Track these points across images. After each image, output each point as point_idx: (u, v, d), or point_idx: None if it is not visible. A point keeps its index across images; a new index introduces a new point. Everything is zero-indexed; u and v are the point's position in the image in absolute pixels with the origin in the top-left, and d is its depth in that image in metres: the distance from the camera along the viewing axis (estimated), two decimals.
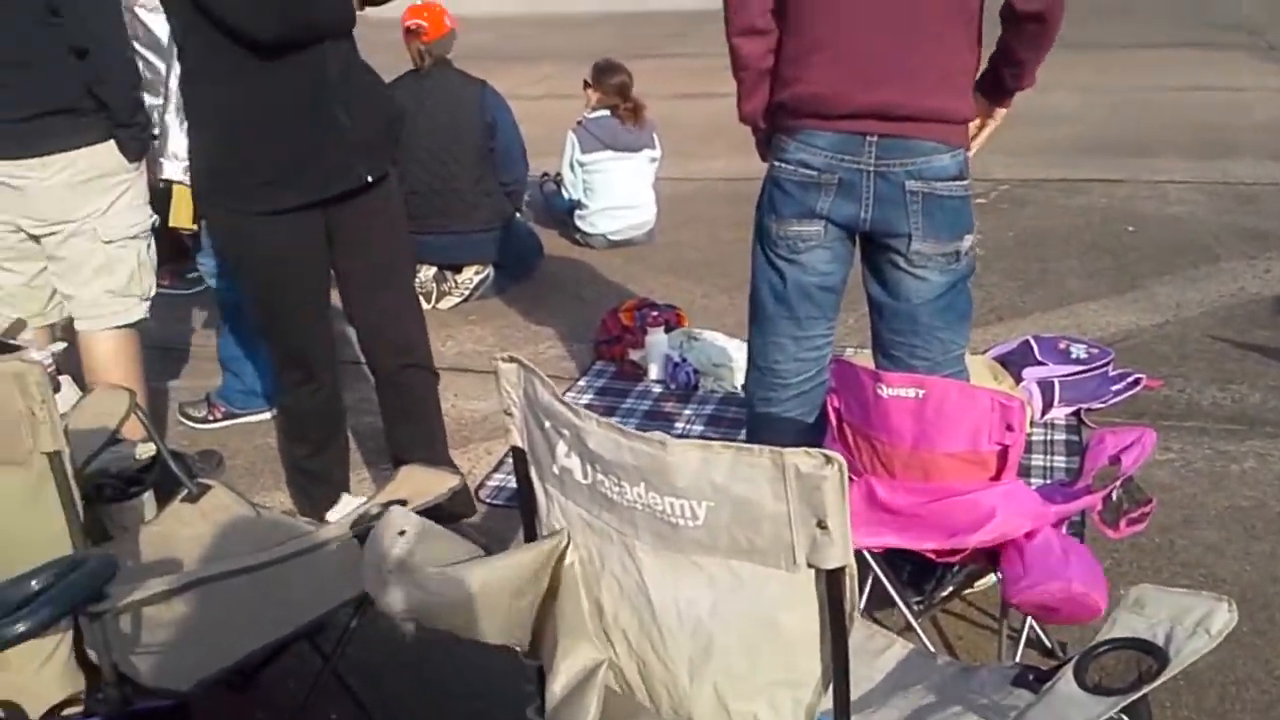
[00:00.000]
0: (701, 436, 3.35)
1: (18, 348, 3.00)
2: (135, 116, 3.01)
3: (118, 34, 2.96)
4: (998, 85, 2.47)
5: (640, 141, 5.60)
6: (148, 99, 3.15)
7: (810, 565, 1.22)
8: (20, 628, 1.27)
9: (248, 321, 3.56)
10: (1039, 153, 6.98)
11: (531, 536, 1.60)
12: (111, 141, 3.00)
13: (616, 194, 5.62)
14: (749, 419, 2.77)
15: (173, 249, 4.20)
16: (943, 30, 2.30)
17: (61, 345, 3.09)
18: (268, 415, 3.79)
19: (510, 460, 3.35)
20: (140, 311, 3.22)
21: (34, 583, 1.35)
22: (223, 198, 2.66)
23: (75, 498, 1.76)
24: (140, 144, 3.07)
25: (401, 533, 1.48)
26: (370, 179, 2.68)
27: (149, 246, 3.20)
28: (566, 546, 1.48)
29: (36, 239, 3.06)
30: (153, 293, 3.25)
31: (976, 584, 2.52)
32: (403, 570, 1.44)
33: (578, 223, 5.71)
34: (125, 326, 3.18)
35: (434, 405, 3.00)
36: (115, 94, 2.94)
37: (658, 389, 4.04)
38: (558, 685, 1.45)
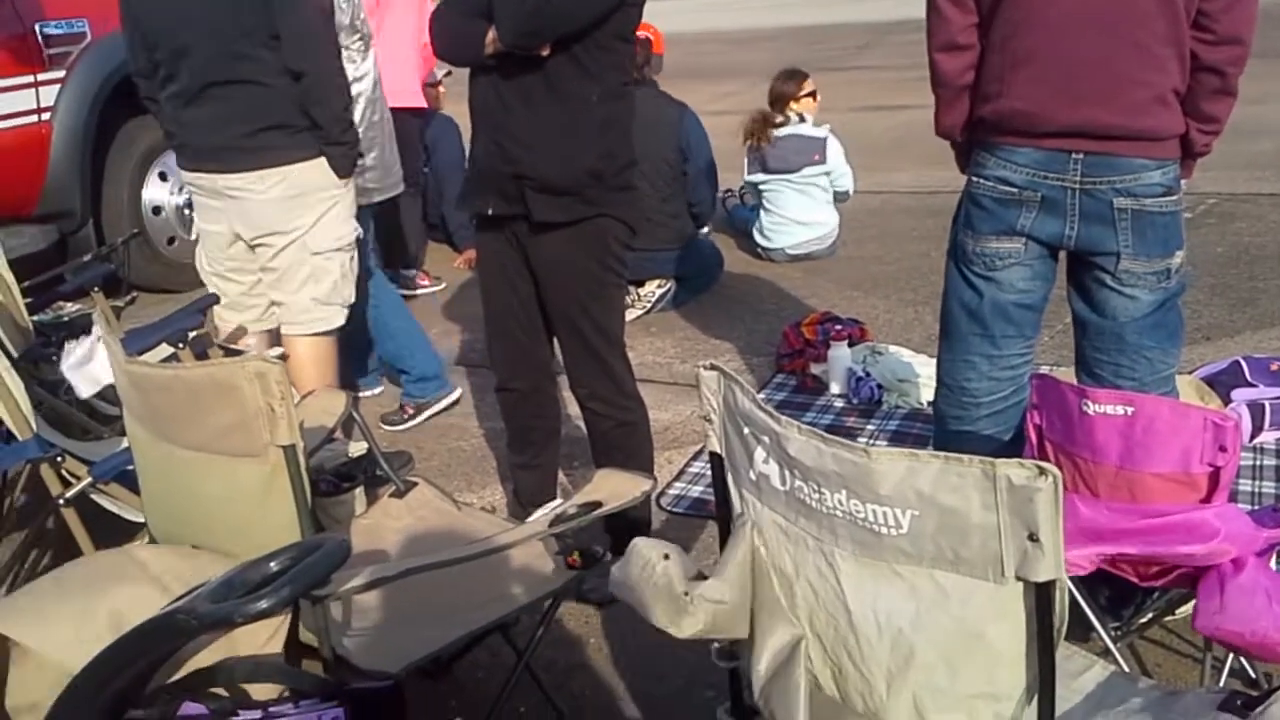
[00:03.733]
0: None
1: (239, 352, 3.26)
2: (345, 135, 3.20)
3: (329, 57, 3.15)
4: (1186, 147, 2.37)
5: (793, 160, 5.52)
6: None
7: (1019, 578, 1.21)
8: (263, 604, 1.37)
9: (386, 316, 3.73)
10: (1249, 166, 6.61)
11: (727, 541, 1.63)
12: (322, 158, 3.19)
13: (790, 212, 5.60)
14: (937, 437, 2.73)
15: None
16: (1151, 46, 2.24)
17: (281, 350, 3.31)
18: (453, 401, 4.03)
19: (689, 470, 3.47)
20: (341, 318, 3.41)
21: (273, 564, 1.44)
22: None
23: (306, 489, 1.89)
24: (349, 161, 3.25)
25: (666, 556, 1.52)
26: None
27: (352, 258, 3.39)
28: (752, 531, 1.51)
29: (252, 249, 3.29)
30: (352, 301, 3.44)
31: (1178, 611, 2.42)
32: (699, 595, 1.48)
33: (756, 236, 5.73)
34: (327, 333, 3.38)
35: (621, 442, 2.85)
36: (327, 113, 3.13)
37: (840, 403, 4.01)
38: (762, 665, 1.48)
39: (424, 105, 5.58)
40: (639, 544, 1.58)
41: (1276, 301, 4.59)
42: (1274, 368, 3.63)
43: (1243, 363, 3.67)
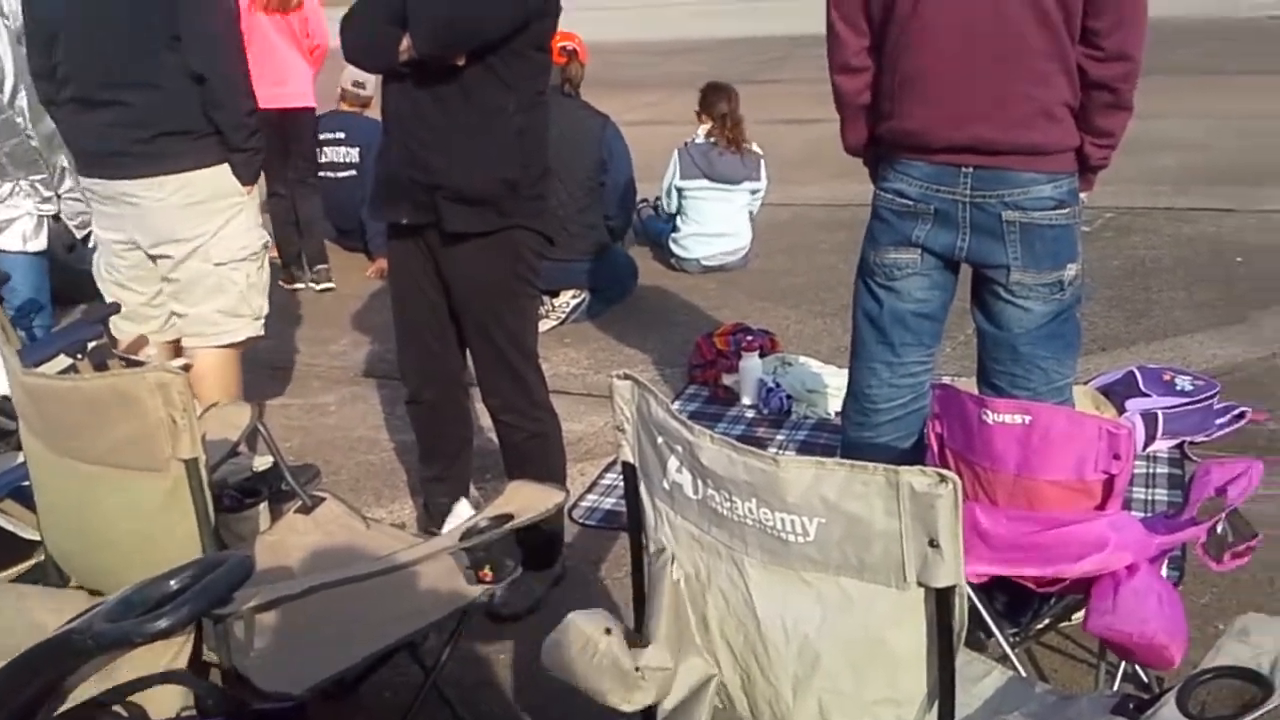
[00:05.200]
0: None
1: (140, 363, 3.18)
2: (248, 141, 3.12)
3: (233, 61, 3.08)
4: (1082, 161, 2.44)
5: (740, 173, 5.63)
6: None
7: (920, 584, 1.24)
8: (162, 623, 1.32)
9: None
10: (1146, 180, 6.86)
11: (639, 551, 1.64)
12: (225, 165, 3.12)
13: (710, 222, 5.68)
14: (843, 444, 2.78)
15: None
16: (1034, 62, 2.31)
17: (184, 360, 3.23)
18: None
19: (602, 481, 3.48)
20: (250, 330, 3.33)
21: (173, 582, 1.40)
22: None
23: (208, 504, 1.84)
24: (253, 168, 3.18)
25: (608, 631, 1.50)
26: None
27: (260, 268, 3.32)
28: (671, 568, 1.52)
29: (154, 260, 3.21)
30: (264, 312, 3.36)
31: (1074, 617, 2.49)
32: (649, 669, 1.47)
33: (672, 246, 5.77)
34: (232, 345, 3.30)
35: (533, 454, 2.82)
36: (230, 118, 3.06)
37: (751, 414, 4.06)
38: (668, 700, 1.48)
39: (310, 105, 5.65)
40: (576, 620, 1.55)
41: (1170, 314, 4.77)
42: (1167, 378, 3.76)
43: (1137, 373, 3.80)
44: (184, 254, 3.16)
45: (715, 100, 5.68)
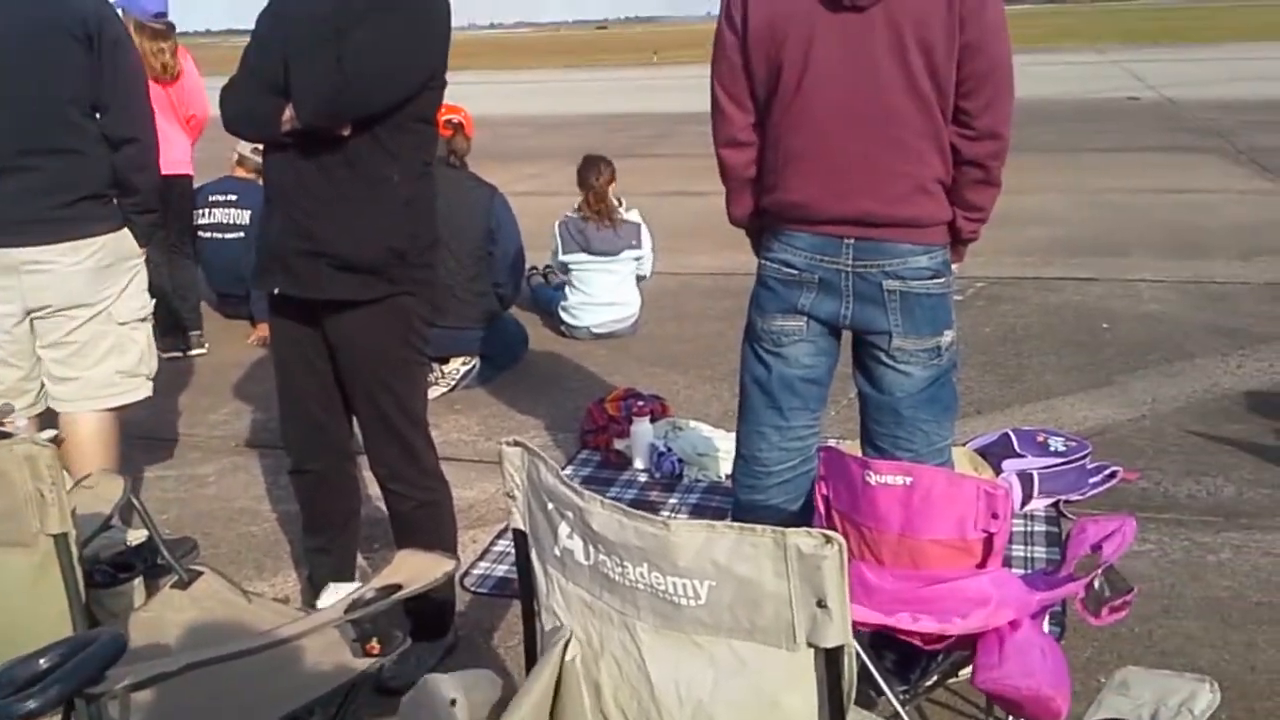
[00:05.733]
0: None
1: (8, 434, 3.04)
2: (155, 203, 3.21)
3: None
4: (954, 234, 2.54)
5: (618, 244, 5.69)
6: None
7: (810, 645, 1.25)
8: (31, 705, 1.27)
9: None
10: (1014, 252, 7.17)
11: (530, 618, 1.62)
12: (126, 229, 3.15)
13: (598, 292, 5.73)
14: (734, 507, 2.81)
15: None
16: (909, 141, 2.41)
17: (53, 432, 3.10)
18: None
19: (494, 549, 3.44)
20: (145, 390, 3.32)
21: (42, 661, 1.35)
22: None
23: (79, 580, 1.77)
24: (151, 231, 3.24)
25: (453, 702, 1.48)
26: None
27: (150, 330, 3.32)
28: (568, 643, 1.50)
29: (33, 327, 3.10)
30: (154, 372, 3.35)
31: (961, 673, 2.54)
32: None
33: (562, 314, 5.80)
34: (118, 408, 3.25)
35: (423, 522, 2.77)
36: (149, 181, 3.15)
37: (643, 478, 4.07)
38: None
39: (189, 173, 5.70)
40: (428, 682, 1.54)
41: (1042, 378, 4.96)
42: (1040, 439, 3.90)
43: (1012, 435, 3.93)
44: (88, 316, 3.14)
45: (586, 174, 5.76)
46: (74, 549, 1.77)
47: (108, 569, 2.46)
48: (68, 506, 1.73)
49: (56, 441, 2.90)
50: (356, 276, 2.58)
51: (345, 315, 2.63)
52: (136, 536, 2.61)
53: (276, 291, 2.67)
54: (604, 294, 5.72)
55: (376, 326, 2.63)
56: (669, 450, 4.07)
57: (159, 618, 2.33)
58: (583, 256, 5.67)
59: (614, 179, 5.80)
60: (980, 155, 2.43)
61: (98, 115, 3.08)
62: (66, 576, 1.77)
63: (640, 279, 5.90)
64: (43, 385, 3.21)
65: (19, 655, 1.37)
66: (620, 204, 5.82)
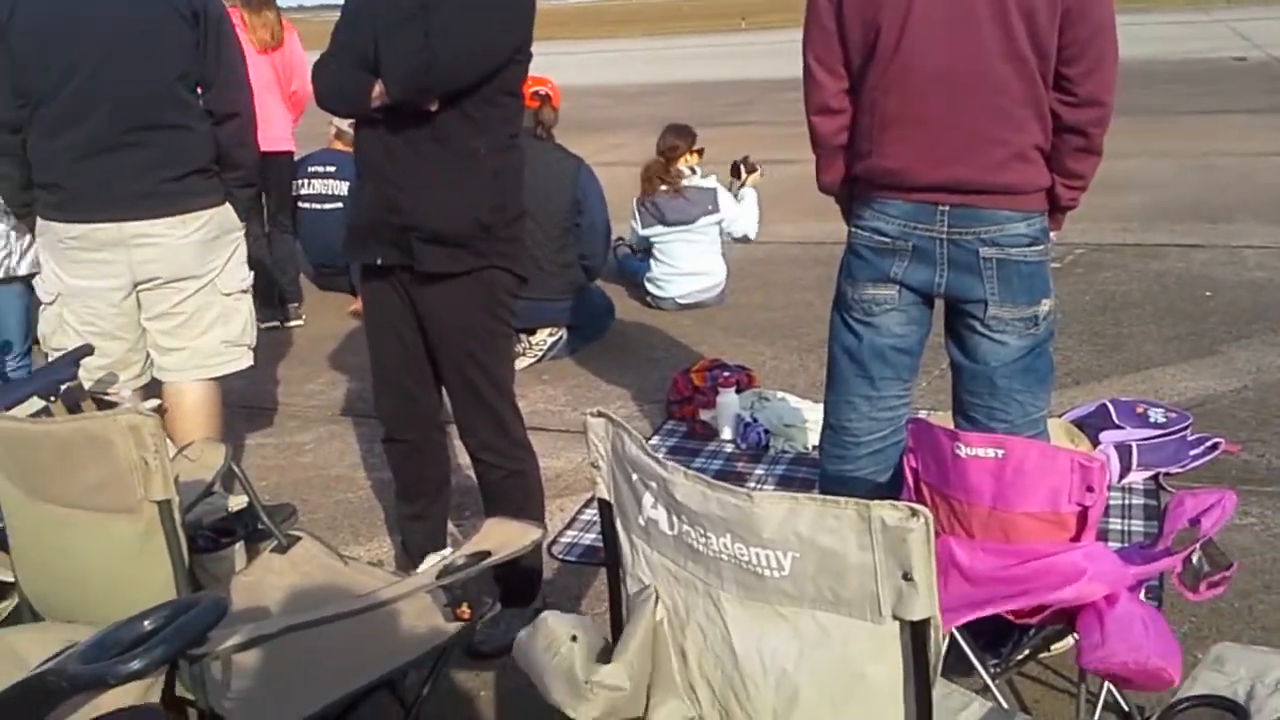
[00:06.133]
0: None
1: (114, 404, 3.16)
2: (254, 177, 3.32)
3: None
4: (1052, 201, 2.48)
5: (692, 211, 5.64)
6: None
7: (895, 617, 1.24)
8: (135, 665, 1.32)
9: None
10: (1115, 218, 6.96)
11: (616, 586, 1.64)
12: (228, 203, 3.27)
13: (681, 263, 5.71)
14: (821, 477, 2.79)
15: None
16: (1008, 108, 2.35)
17: (157, 402, 3.22)
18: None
19: (581, 517, 3.47)
20: (247, 360, 3.44)
21: (147, 623, 1.40)
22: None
23: (182, 545, 1.84)
24: (247, 204, 3.34)
25: (574, 638, 1.52)
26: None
27: (250, 301, 3.43)
28: (657, 603, 1.52)
29: (138, 299, 3.21)
30: (255, 343, 3.47)
31: (1053, 647, 2.49)
32: (598, 683, 1.48)
33: (647, 285, 5.80)
34: (221, 378, 3.38)
35: (511, 491, 2.80)
36: (251, 156, 3.26)
37: (729, 449, 4.06)
38: None
39: (290, 149, 5.83)
40: (548, 619, 1.57)
41: (1142, 347, 4.82)
42: (1140, 410, 3.80)
43: (1110, 406, 3.83)
44: (196, 287, 3.25)
45: (662, 142, 5.76)
46: (177, 515, 1.83)
47: (210, 534, 2.55)
48: (171, 474, 1.79)
49: (160, 411, 3.03)
50: (444, 249, 2.61)
51: (433, 288, 2.67)
52: (238, 503, 2.70)
53: (378, 262, 2.71)
54: (687, 264, 5.70)
55: (464, 299, 2.67)
56: (755, 421, 4.05)
57: (259, 581, 2.41)
58: (660, 229, 5.66)
59: (691, 149, 5.76)
60: (1082, 122, 2.37)
61: (200, 91, 3.18)
62: (170, 542, 1.83)
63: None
64: (148, 357, 3.31)
65: (125, 617, 1.42)
66: (695, 172, 5.77)
